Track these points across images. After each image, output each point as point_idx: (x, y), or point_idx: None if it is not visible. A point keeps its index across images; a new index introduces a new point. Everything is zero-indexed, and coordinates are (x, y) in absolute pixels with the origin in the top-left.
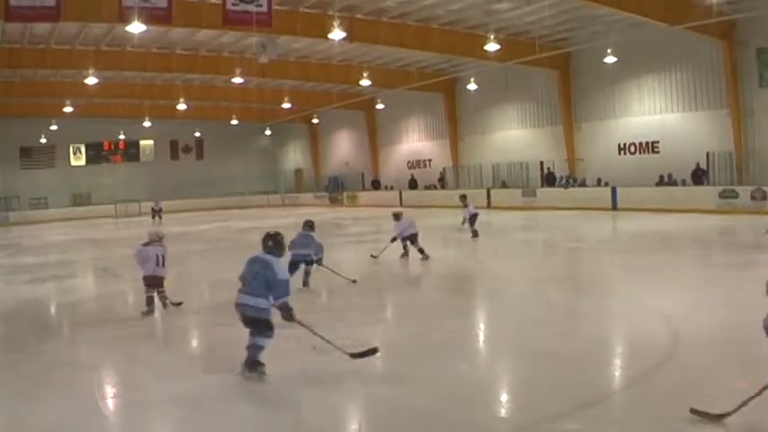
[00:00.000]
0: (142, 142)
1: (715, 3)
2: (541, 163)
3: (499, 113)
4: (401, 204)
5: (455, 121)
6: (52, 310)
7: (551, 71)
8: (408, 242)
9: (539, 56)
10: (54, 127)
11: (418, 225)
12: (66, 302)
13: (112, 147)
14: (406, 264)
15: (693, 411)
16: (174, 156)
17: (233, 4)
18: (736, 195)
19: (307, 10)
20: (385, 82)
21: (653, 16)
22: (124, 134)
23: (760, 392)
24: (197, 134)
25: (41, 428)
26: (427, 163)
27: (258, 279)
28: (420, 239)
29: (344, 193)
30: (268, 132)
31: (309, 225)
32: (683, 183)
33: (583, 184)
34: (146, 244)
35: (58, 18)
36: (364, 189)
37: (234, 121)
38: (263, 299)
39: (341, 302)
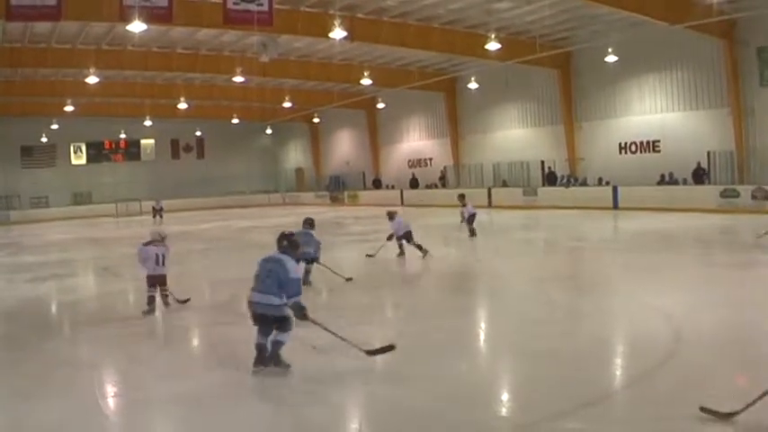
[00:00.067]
0: (143, 141)
1: (715, 2)
2: (542, 162)
3: (500, 113)
4: (402, 203)
5: (456, 121)
6: (53, 308)
7: (552, 70)
8: (404, 241)
9: (539, 55)
10: (55, 126)
11: (419, 224)
12: (67, 301)
13: (113, 146)
14: (406, 263)
15: (703, 410)
16: (175, 155)
17: (234, 3)
18: (737, 195)
19: (307, 9)
20: (386, 81)
21: (653, 15)
22: (125, 133)
23: None
24: (198, 133)
25: (42, 428)
26: (428, 162)
27: (271, 277)
28: (420, 238)
29: (345, 193)
30: (269, 131)
31: (309, 223)
32: (684, 182)
33: (584, 184)
34: (147, 243)
35: (58, 17)
36: (365, 188)
37: (235, 121)
38: (275, 296)
39: (341, 301)
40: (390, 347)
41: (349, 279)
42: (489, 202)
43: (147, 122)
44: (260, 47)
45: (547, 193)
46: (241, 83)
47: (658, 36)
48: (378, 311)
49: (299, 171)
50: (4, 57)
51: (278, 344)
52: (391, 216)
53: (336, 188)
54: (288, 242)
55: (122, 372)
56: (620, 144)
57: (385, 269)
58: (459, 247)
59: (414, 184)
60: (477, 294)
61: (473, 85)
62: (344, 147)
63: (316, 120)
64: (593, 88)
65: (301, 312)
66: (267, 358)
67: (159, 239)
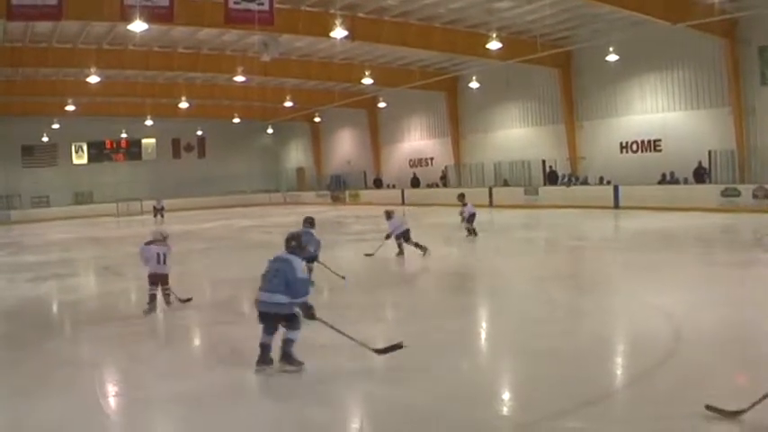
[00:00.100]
0: (144, 141)
1: (717, 1)
2: (543, 161)
3: (501, 112)
4: (403, 203)
5: (457, 120)
6: (54, 308)
7: (553, 69)
8: (402, 239)
9: (540, 54)
10: (56, 125)
11: (421, 223)
12: (68, 301)
13: (114, 145)
14: (405, 262)
15: (709, 408)
16: (176, 154)
17: (235, 3)
18: (738, 194)
19: (308, 8)
20: (387, 80)
21: (654, 14)
22: (126, 133)
23: None
24: (199, 133)
25: (43, 427)
26: (429, 161)
27: (278, 276)
28: (421, 238)
29: (346, 192)
30: (270, 131)
31: (310, 222)
32: (685, 181)
33: (585, 183)
34: (148, 243)
35: (59, 17)
36: (366, 187)
37: (236, 120)
38: (282, 295)
39: (342, 300)
40: (399, 346)
41: (342, 277)
42: (490, 202)
43: (149, 122)
44: (261, 46)
45: (548, 192)
46: (242, 82)
47: (659, 35)
48: (378, 310)
49: (300, 170)
50: (5, 56)
51: (289, 342)
52: (389, 215)
53: (337, 187)
54: (296, 242)
55: (123, 371)
56: (621, 143)
57: (385, 268)
58: (459, 246)
59: (415, 183)
60: (477, 293)
61: (474, 85)
62: (345, 146)
63: (317, 119)
64: (594, 87)
65: (309, 312)
66: (281, 358)
67: (161, 239)
